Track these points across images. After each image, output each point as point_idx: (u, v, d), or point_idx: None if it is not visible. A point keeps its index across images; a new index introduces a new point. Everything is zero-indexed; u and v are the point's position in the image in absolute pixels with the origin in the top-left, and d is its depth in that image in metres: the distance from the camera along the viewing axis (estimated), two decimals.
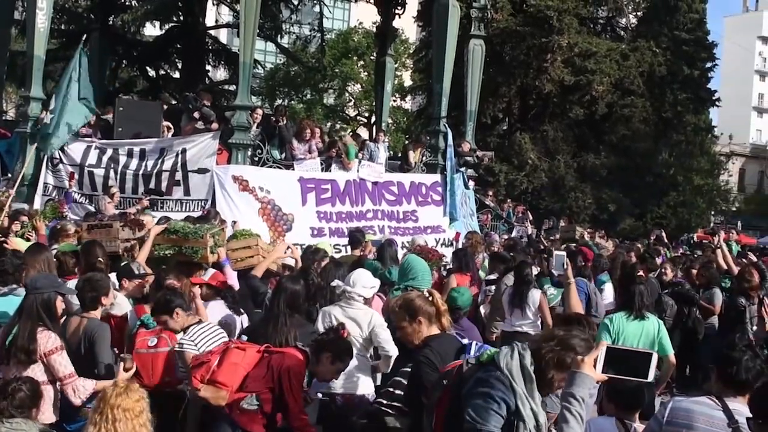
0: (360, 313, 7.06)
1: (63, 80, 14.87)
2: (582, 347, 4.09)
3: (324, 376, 6.20)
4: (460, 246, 14.31)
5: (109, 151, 14.96)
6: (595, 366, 3.77)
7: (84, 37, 15.04)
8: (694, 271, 13.28)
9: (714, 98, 43.33)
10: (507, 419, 3.97)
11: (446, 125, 18.67)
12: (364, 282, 7.25)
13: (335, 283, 7.34)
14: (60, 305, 6.12)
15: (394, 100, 47.66)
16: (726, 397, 4.53)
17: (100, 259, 8.21)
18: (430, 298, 5.84)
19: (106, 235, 9.00)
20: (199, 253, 8.77)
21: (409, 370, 5.83)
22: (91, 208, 13.84)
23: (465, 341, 5.63)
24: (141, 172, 14.78)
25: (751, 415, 3.81)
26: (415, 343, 5.79)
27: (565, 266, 7.48)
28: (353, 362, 6.82)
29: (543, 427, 4.04)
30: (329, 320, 6.99)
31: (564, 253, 7.99)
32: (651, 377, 3.78)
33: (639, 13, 43.32)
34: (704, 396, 4.63)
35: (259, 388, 5.85)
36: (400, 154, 19.54)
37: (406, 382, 6.01)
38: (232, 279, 8.66)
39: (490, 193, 25.32)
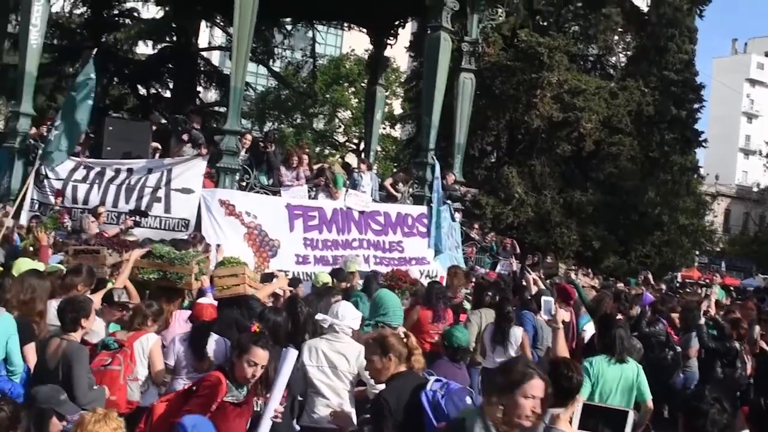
0: (348, 347, 6.95)
1: (69, 97, 14.84)
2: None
3: (243, 379, 5.82)
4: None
5: (96, 169, 14.94)
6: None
7: (94, 52, 14.98)
8: (676, 316, 13.34)
9: (701, 139, 43.59)
10: None
11: (434, 157, 18.71)
12: (353, 314, 7.22)
13: (321, 317, 7.21)
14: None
15: (384, 128, 47.75)
16: None
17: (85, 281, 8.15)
18: (405, 339, 5.90)
19: (93, 261, 8.94)
20: (184, 279, 8.78)
21: None
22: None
23: (430, 378, 5.67)
24: (124, 186, 14.74)
25: None
26: (380, 379, 5.88)
27: (553, 312, 7.48)
28: (339, 397, 6.79)
29: None
30: (316, 355, 6.93)
31: (552, 299, 8.00)
32: None
33: (629, 53, 43.69)
34: None
35: None
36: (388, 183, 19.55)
37: None
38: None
39: (476, 225, 25.33)
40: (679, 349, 12.35)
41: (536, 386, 4.11)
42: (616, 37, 42.32)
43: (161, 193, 14.64)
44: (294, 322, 7.45)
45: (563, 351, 7.21)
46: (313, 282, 12.79)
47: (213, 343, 7.53)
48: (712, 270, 45.38)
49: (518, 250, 23.96)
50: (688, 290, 23.83)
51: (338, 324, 7.03)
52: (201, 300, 8.34)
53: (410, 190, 18.90)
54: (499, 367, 4.24)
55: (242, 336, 6.01)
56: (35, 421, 5.42)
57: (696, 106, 42.87)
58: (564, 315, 11.25)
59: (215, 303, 8.37)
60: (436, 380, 5.59)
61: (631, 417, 3.77)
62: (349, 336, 7.07)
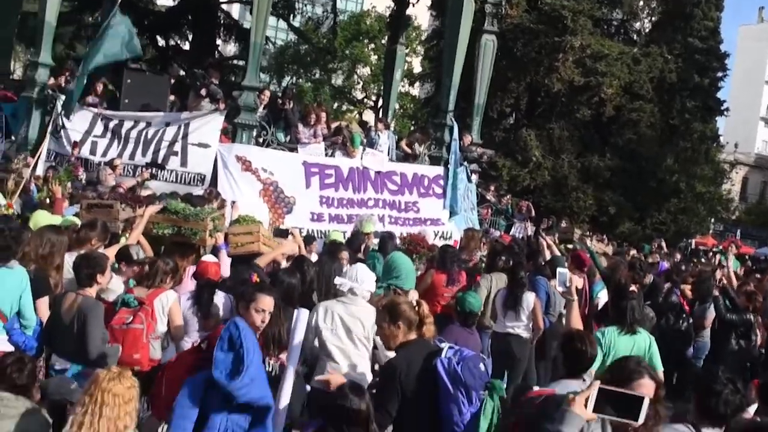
0: (364, 311, 6.89)
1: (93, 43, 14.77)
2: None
3: (253, 327, 5.69)
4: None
5: (114, 121, 14.96)
6: (586, 405, 3.75)
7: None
8: (687, 287, 13.32)
9: (723, 108, 43.18)
10: None
11: (453, 119, 18.62)
12: (371, 278, 7.19)
13: (339, 281, 7.11)
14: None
15: (403, 86, 47.50)
16: (702, 426, 4.55)
17: (99, 236, 8.16)
18: (417, 307, 5.88)
19: (107, 215, 8.94)
20: (198, 235, 8.79)
21: None
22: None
23: (442, 345, 5.66)
24: (142, 140, 14.78)
25: None
26: (390, 346, 5.89)
27: (568, 283, 7.44)
28: (351, 361, 6.79)
29: None
30: (331, 317, 6.87)
31: (567, 270, 7.95)
32: (641, 420, 3.77)
33: (653, 18, 43.11)
34: (681, 423, 4.62)
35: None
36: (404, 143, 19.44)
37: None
38: (226, 266, 8.63)
39: (492, 187, 25.25)
40: (691, 319, 12.32)
41: (645, 385, 4.14)
42: (642, 2, 41.72)
43: (178, 147, 14.67)
44: (301, 281, 7.43)
45: (577, 323, 7.19)
46: (325, 240, 12.82)
47: (220, 300, 7.53)
48: (728, 238, 45.16)
49: (533, 213, 23.89)
50: (703, 260, 23.72)
51: (358, 288, 6.98)
52: (205, 258, 8.33)
53: (427, 150, 18.82)
54: (612, 363, 4.29)
55: (245, 287, 6.05)
56: (51, 412, 5.41)
57: (719, 74, 42.37)
58: (577, 281, 11.23)
59: (219, 261, 8.37)
60: (449, 347, 5.59)
61: (647, 402, 3.74)
62: (366, 300, 7.03)
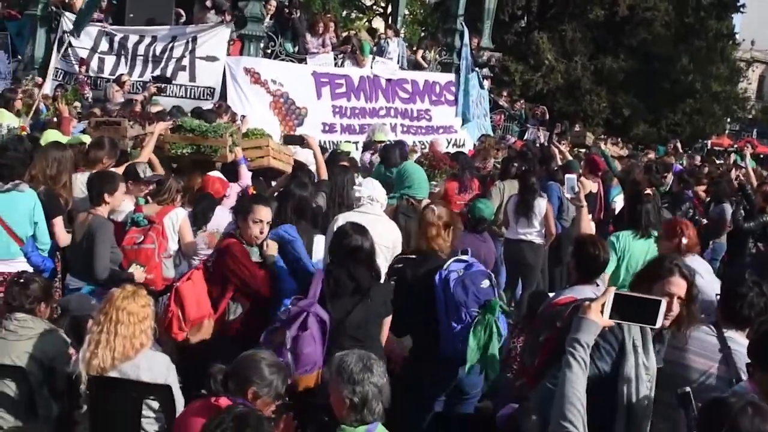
0: (383, 219, 6.85)
1: None
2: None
3: (250, 237, 5.92)
4: None
5: (119, 36, 14.78)
6: (602, 312, 3.72)
7: None
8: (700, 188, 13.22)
9: (739, 4, 42.16)
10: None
11: (463, 23, 18.32)
12: (382, 189, 7.15)
13: (358, 192, 7.03)
14: None
15: None
16: (726, 327, 4.53)
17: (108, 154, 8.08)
18: (439, 217, 5.89)
19: (114, 133, 8.81)
20: (219, 152, 8.71)
21: None
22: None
23: (455, 257, 5.66)
24: (150, 57, 14.64)
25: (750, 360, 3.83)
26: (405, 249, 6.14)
27: (576, 189, 7.37)
28: None
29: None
30: None
31: (575, 176, 7.87)
32: (659, 324, 3.74)
33: None
34: (702, 325, 4.61)
35: (227, 291, 5.81)
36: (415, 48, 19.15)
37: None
38: (246, 179, 8.61)
39: (505, 93, 25.00)
40: (704, 220, 12.21)
41: (675, 283, 4.09)
42: None
43: (186, 61, 14.57)
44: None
45: (588, 228, 7.14)
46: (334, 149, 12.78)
47: (224, 215, 7.51)
48: (744, 137, 44.69)
49: (548, 118, 23.68)
50: (721, 161, 23.36)
51: (375, 198, 6.91)
52: (211, 173, 8.29)
53: (437, 57, 18.55)
54: (649, 261, 4.42)
55: (242, 200, 6.11)
56: (72, 328, 5.48)
57: None
58: (591, 186, 11.18)
59: (223, 177, 8.33)
60: (457, 261, 5.57)
61: (663, 305, 3.70)
62: (383, 209, 7.00)
